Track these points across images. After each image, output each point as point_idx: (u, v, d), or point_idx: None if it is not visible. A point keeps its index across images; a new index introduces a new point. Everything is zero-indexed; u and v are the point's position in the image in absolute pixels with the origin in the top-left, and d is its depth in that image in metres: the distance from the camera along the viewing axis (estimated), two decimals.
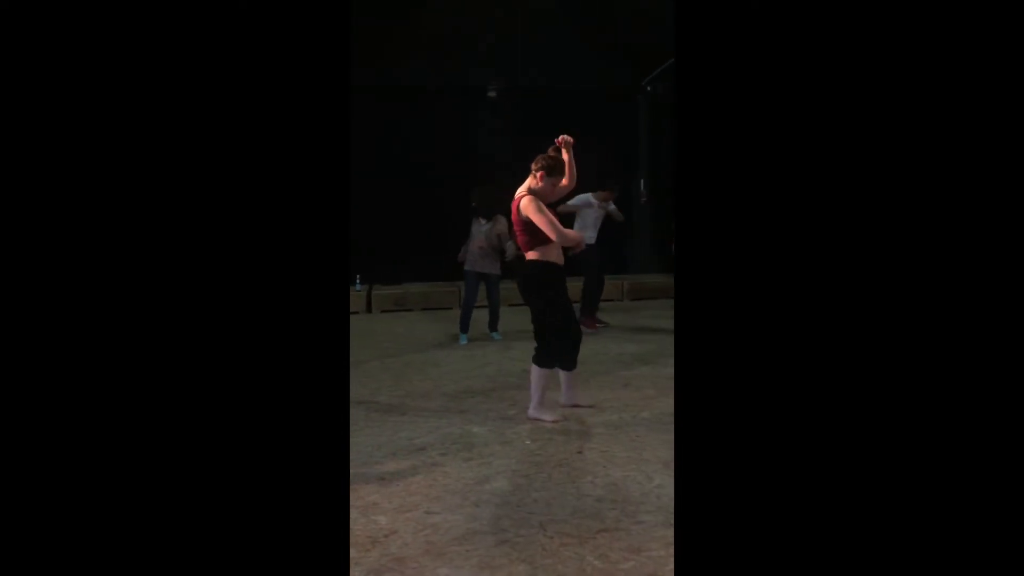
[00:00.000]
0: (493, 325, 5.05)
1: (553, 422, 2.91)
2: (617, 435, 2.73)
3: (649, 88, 7.80)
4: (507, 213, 4.80)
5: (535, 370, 2.95)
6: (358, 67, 6.56)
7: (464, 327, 4.89)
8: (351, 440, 2.75)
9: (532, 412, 2.97)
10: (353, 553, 1.77)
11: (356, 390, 3.53)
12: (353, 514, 2.00)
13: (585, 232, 5.33)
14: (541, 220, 2.78)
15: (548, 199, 2.91)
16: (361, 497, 2.13)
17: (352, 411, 3.10)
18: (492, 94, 7.59)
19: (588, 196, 5.30)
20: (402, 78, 7.12)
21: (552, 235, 2.77)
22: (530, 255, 2.88)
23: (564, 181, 2.94)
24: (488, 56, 7.15)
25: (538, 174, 2.88)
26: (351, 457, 2.54)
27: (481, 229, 4.83)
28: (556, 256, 2.88)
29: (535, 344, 2.97)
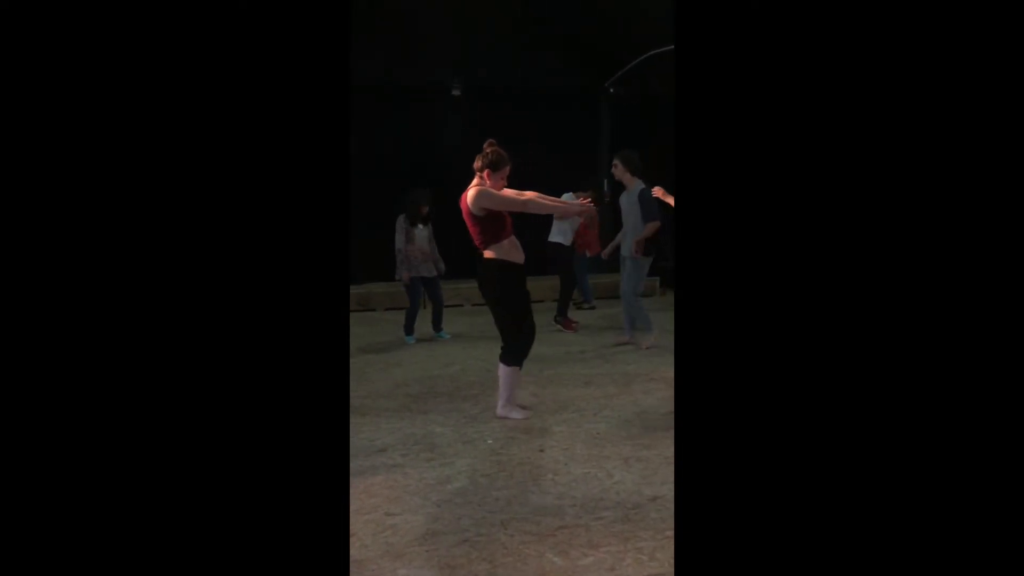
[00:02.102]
0: (438, 325, 5.08)
1: (523, 419, 2.92)
2: (578, 433, 2.76)
3: (612, 90, 7.90)
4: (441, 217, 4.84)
5: (502, 368, 2.95)
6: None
7: (409, 330, 4.91)
8: None
9: (500, 411, 2.98)
10: None
11: None
12: None
13: (564, 234, 5.37)
14: (505, 200, 2.76)
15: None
16: None
17: None
18: (456, 93, 7.57)
19: (569, 195, 5.35)
20: (367, 75, 7.03)
21: (528, 208, 2.78)
22: (487, 254, 2.86)
23: (507, 169, 2.90)
24: (451, 55, 7.12)
25: (484, 172, 2.85)
26: None
27: (422, 234, 4.84)
28: (514, 255, 2.87)
29: (501, 343, 2.97)
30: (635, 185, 4.31)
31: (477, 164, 2.86)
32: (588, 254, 5.89)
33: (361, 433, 2.82)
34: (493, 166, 2.83)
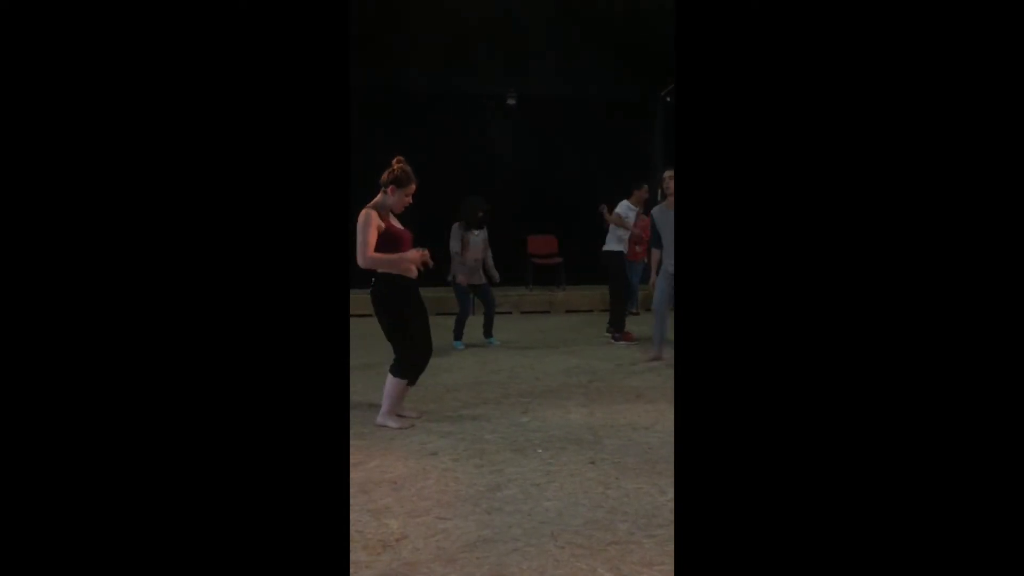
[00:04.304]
0: (488, 331, 5.10)
1: (399, 428, 2.91)
2: (629, 447, 2.71)
3: (668, 99, 7.80)
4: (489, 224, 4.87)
5: (389, 378, 2.97)
6: (367, 70, 6.61)
7: (459, 335, 4.93)
8: (364, 444, 2.76)
9: (379, 419, 2.98)
10: (364, 556, 1.77)
11: (368, 394, 3.54)
12: (365, 517, 2.00)
13: (621, 242, 5.29)
14: (360, 238, 2.75)
15: (398, 211, 2.93)
16: (373, 500, 2.14)
17: (364, 414, 3.11)
18: (511, 102, 7.63)
19: (626, 203, 5.30)
20: (416, 83, 7.17)
21: (359, 259, 2.75)
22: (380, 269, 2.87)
23: (413, 187, 2.90)
24: (505, 64, 7.19)
25: (388, 188, 2.86)
26: (364, 461, 2.54)
27: (478, 240, 4.87)
28: (404, 269, 2.86)
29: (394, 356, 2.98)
30: None
31: (383, 178, 2.88)
32: (646, 261, 5.84)
33: (413, 436, 2.86)
34: (397, 182, 2.86)
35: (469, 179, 6.79)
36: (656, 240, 4.47)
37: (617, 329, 5.18)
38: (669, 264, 4.26)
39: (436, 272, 4.94)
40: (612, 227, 5.24)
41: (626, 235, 5.28)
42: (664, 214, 4.29)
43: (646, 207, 5.67)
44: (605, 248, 5.32)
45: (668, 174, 4.28)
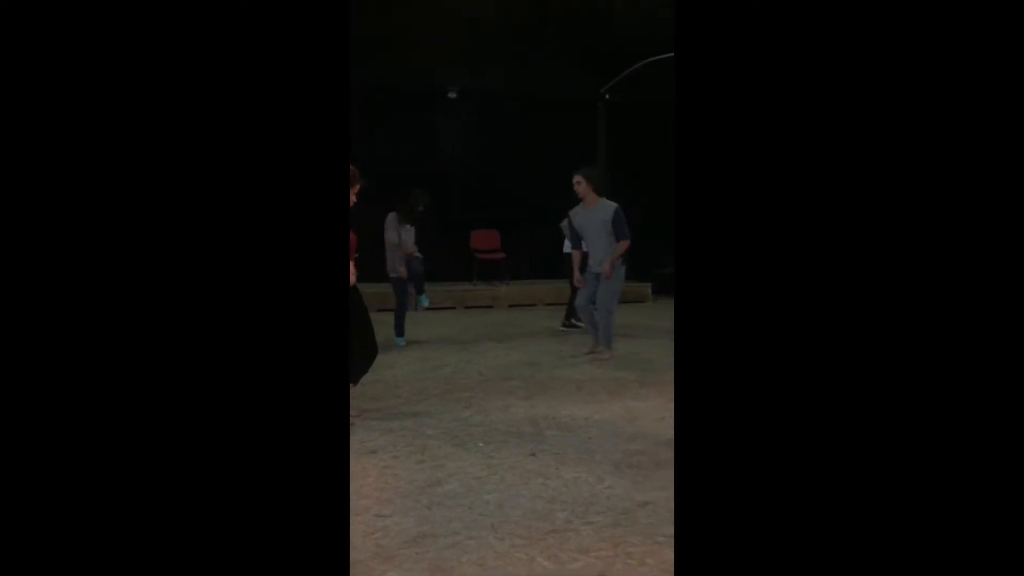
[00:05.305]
0: (420, 290, 5.14)
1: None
2: (570, 438, 2.76)
3: (608, 96, 7.94)
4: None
5: None
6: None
7: (400, 331, 4.90)
8: None
9: None
10: None
11: None
12: None
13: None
14: None
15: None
16: None
17: None
18: (452, 96, 7.59)
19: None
20: (358, 76, 7.02)
21: None
22: None
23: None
24: (447, 58, 7.14)
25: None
26: None
27: (410, 233, 4.88)
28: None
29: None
30: (599, 202, 4.33)
31: None
32: None
33: (353, 435, 2.81)
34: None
35: (412, 174, 6.72)
36: (576, 241, 4.55)
37: (578, 321, 5.38)
38: (595, 264, 4.36)
39: (373, 268, 4.90)
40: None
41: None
42: (586, 215, 4.37)
43: None
44: (566, 251, 5.46)
45: (576, 179, 4.35)
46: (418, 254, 5.08)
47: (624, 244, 4.25)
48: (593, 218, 4.32)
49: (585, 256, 4.52)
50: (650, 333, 5.55)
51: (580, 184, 4.34)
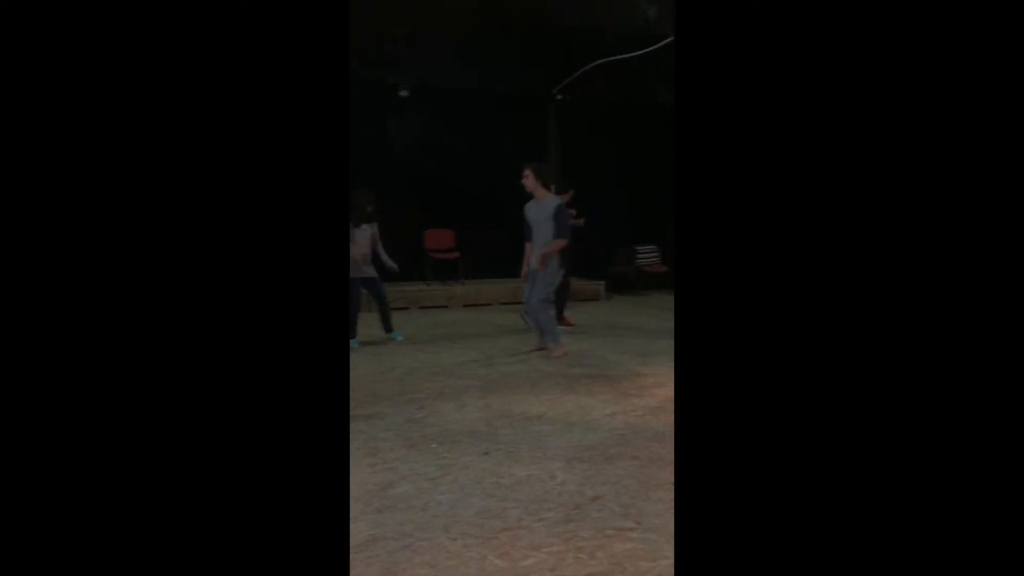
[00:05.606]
0: (388, 326, 5.02)
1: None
2: (522, 436, 2.78)
3: (559, 96, 8.00)
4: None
5: None
6: None
7: (352, 333, 4.81)
8: None
9: None
10: None
11: None
12: None
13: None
14: None
15: None
16: None
17: None
18: (404, 94, 7.51)
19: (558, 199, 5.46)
20: None
21: None
22: None
23: None
24: (399, 56, 7.06)
25: None
26: None
27: (364, 235, 4.79)
28: None
29: None
30: (548, 198, 4.38)
31: None
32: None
33: None
34: None
35: (363, 172, 6.62)
36: (529, 234, 4.61)
37: (558, 317, 5.43)
38: (534, 260, 4.39)
39: None
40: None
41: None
42: (535, 210, 4.41)
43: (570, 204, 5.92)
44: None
45: (525, 172, 4.38)
46: (392, 264, 4.93)
47: (558, 242, 4.29)
48: (541, 213, 4.37)
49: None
50: (603, 330, 5.63)
51: (528, 178, 4.38)
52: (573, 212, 5.58)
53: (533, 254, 4.42)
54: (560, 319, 5.51)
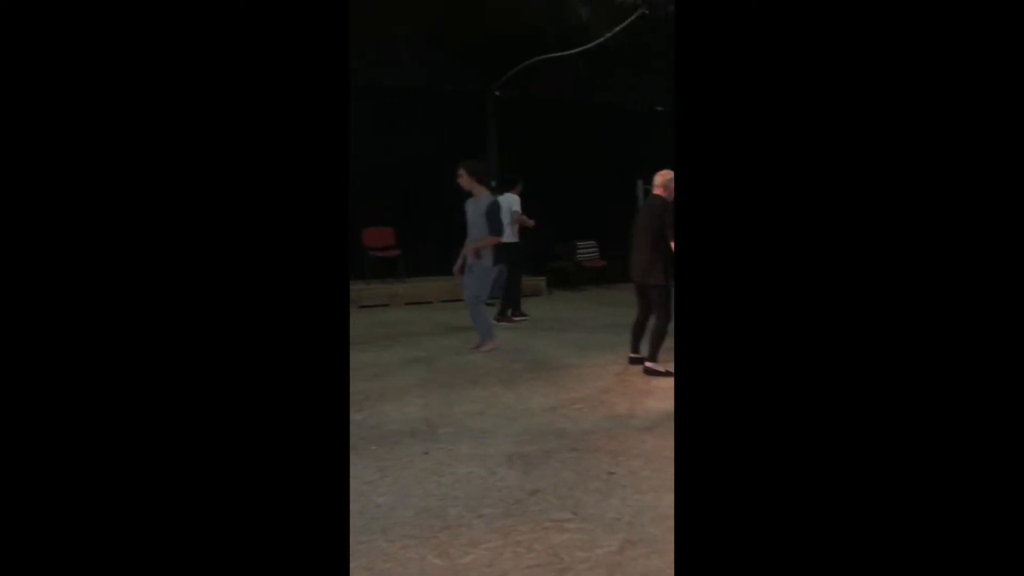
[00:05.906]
0: None
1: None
2: (463, 433, 2.79)
3: (497, 93, 8.02)
4: None
5: None
6: None
7: None
8: None
9: None
10: None
11: None
12: None
13: (508, 230, 5.42)
14: None
15: None
16: None
17: None
18: None
19: (514, 197, 5.59)
20: None
21: None
22: None
23: None
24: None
25: None
26: None
27: None
28: None
29: None
30: (484, 195, 4.43)
31: None
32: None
33: None
34: None
35: None
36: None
37: (515, 311, 5.71)
38: (471, 255, 4.43)
39: None
40: (509, 223, 5.43)
41: (510, 228, 5.52)
42: (472, 207, 4.44)
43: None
44: (503, 240, 5.48)
45: (459, 171, 4.40)
46: None
47: (491, 239, 4.34)
48: (476, 211, 4.40)
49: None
50: (544, 326, 5.70)
51: (463, 177, 4.40)
52: (521, 215, 5.71)
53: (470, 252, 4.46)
54: (516, 312, 5.80)
